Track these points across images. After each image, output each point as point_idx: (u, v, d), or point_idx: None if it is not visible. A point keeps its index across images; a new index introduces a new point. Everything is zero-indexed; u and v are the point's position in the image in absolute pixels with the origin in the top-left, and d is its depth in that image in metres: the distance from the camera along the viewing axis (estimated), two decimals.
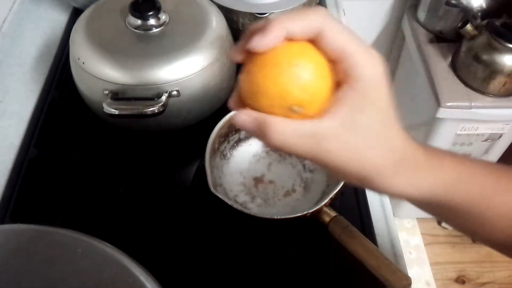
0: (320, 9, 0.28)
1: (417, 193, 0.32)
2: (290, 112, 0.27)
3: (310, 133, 0.28)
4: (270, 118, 0.28)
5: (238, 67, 0.68)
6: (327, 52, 0.28)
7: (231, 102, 0.31)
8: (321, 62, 0.28)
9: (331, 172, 0.32)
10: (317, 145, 0.28)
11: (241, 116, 0.28)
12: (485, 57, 0.95)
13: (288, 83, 0.27)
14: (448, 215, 0.35)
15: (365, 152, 0.29)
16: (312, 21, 0.27)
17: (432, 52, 1.09)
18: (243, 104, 0.29)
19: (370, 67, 0.27)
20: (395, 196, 0.32)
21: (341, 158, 0.28)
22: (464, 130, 1.08)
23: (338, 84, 0.28)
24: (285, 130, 0.27)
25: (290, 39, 0.27)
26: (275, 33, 0.27)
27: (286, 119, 0.28)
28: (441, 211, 0.35)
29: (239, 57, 0.29)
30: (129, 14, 0.58)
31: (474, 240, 1.51)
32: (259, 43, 0.27)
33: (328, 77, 0.28)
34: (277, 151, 0.30)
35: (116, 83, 0.56)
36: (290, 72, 0.27)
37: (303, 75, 0.27)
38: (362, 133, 0.28)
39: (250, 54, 0.28)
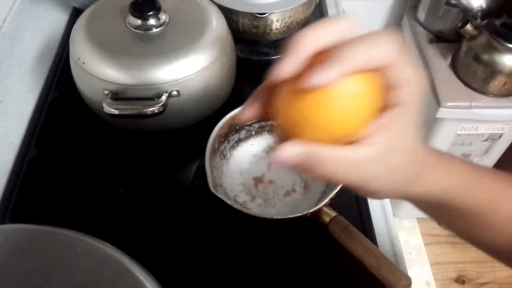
0: (390, 35, 0.25)
1: (428, 196, 0.32)
2: (337, 141, 0.27)
3: (359, 161, 0.27)
4: (320, 149, 0.27)
5: (238, 67, 0.68)
6: (383, 81, 0.26)
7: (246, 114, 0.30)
8: (372, 91, 0.26)
9: (367, 194, 0.32)
10: (366, 172, 0.28)
11: (291, 150, 0.27)
12: (485, 57, 0.95)
13: (338, 114, 0.26)
14: (450, 217, 0.36)
15: (400, 171, 0.29)
16: (378, 52, 0.25)
17: (432, 52, 1.09)
18: (278, 130, 0.29)
19: (415, 93, 0.27)
20: (406, 199, 0.33)
21: (384, 182, 0.29)
22: (464, 130, 1.08)
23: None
24: (335, 160, 0.27)
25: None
26: (338, 68, 0.24)
27: (334, 148, 0.27)
28: (445, 213, 0.35)
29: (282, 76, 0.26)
30: (129, 14, 0.58)
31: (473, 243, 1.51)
32: (319, 80, 0.24)
33: (377, 105, 0.27)
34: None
35: (116, 83, 0.56)
36: (341, 102, 0.26)
37: (353, 105, 0.26)
38: (398, 154, 0.28)
39: (288, 81, 0.26)
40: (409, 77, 0.26)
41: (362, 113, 0.26)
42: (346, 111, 0.26)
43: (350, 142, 0.27)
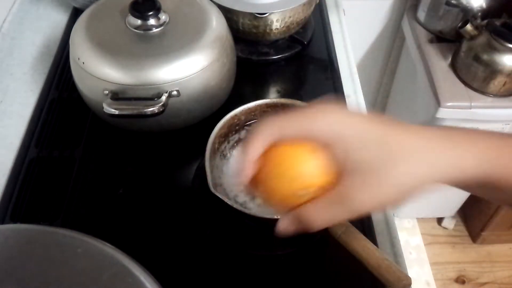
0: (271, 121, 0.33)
1: (458, 176, 0.31)
2: (300, 198, 0.33)
3: (337, 197, 0.32)
4: (300, 208, 0.33)
5: (238, 67, 0.68)
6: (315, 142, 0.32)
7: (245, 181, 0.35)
8: (311, 156, 0.33)
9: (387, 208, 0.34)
10: (351, 201, 0.31)
11: (284, 222, 0.34)
12: (485, 57, 0.95)
13: (290, 178, 0.33)
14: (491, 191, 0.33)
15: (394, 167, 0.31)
16: (262, 143, 0.33)
17: (432, 52, 1.09)
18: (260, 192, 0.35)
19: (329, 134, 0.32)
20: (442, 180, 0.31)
21: (383, 193, 0.31)
22: None
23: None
24: (316, 207, 0.32)
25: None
26: (259, 144, 0.33)
27: (311, 202, 0.32)
28: (497, 192, 0.32)
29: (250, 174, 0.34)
30: (129, 14, 0.58)
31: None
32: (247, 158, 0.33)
33: (320, 161, 0.32)
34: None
35: (116, 83, 0.56)
36: (290, 169, 0.33)
37: (298, 169, 0.33)
38: (378, 164, 0.31)
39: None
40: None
41: (304, 171, 0.33)
42: (291, 174, 0.33)
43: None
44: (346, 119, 0.32)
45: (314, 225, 0.32)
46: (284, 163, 0.33)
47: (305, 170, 0.33)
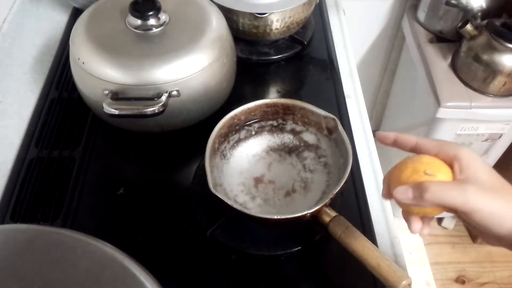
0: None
1: None
2: (426, 176, 0.39)
3: (459, 183, 0.37)
4: (425, 181, 0.38)
5: (238, 67, 0.68)
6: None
7: (385, 193, 0.43)
8: (428, 156, 0.41)
9: (479, 219, 0.37)
10: (463, 190, 0.37)
11: (401, 189, 0.39)
12: (485, 57, 0.95)
13: (419, 164, 0.40)
14: None
15: (499, 189, 0.38)
16: (411, 138, 0.43)
17: (432, 52, 1.09)
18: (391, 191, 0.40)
19: (460, 147, 0.40)
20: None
21: (484, 198, 0.36)
22: (464, 130, 1.08)
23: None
24: (439, 183, 0.38)
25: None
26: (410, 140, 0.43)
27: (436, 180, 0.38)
28: None
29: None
30: (129, 14, 0.58)
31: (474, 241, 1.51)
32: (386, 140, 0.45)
33: (442, 162, 0.40)
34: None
35: (116, 83, 0.56)
36: (416, 163, 0.41)
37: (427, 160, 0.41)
38: (482, 181, 0.37)
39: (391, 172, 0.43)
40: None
41: (433, 162, 0.41)
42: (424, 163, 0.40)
43: None
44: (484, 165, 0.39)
45: (428, 197, 0.37)
46: (418, 157, 0.41)
47: (435, 162, 0.40)
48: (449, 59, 1.07)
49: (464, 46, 1.00)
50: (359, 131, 0.69)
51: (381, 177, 0.63)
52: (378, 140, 0.45)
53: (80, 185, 0.61)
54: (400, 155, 0.43)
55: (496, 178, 0.38)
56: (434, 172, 0.39)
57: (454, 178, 0.39)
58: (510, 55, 0.92)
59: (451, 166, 0.40)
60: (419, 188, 0.37)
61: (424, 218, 0.42)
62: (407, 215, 0.42)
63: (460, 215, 0.38)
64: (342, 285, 0.53)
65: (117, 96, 0.56)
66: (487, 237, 0.39)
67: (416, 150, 0.42)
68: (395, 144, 0.44)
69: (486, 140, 1.11)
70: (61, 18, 0.86)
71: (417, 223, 0.41)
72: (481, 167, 0.38)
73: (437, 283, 1.45)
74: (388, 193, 0.42)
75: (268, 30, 0.74)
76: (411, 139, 0.43)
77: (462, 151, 0.39)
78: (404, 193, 0.38)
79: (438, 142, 0.41)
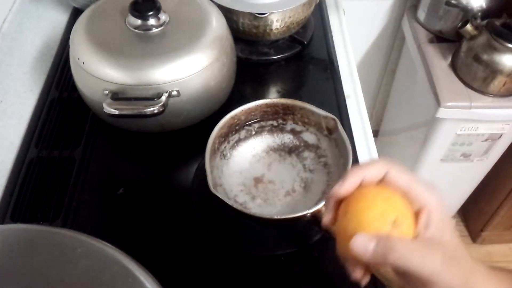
0: (384, 159, 0.36)
1: None
2: (391, 227, 0.33)
3: (425, 244, 0.32)
4: (392, 237, 0.32)
5: (238, 67, 0.68)
6: (395, 187, 0.35)
7: (326, 222, 0.37)
8: (401, 197, 0.35)
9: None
10: (434, 258, 0.31)
11: (361, 238, 0.32)
12: (485, 57, 0.95)
13: (388, 207, 0.34)
14: None
15: (455, 262, 0.32)
16: (380, 168, 0.35)
17: (432, 52, 1.09)
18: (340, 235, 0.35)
19: (431, 196, 0.34)
20: None
21: (448, 270, 0.31)
22: (464, 130, 1.07)
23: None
24: (411, 243, 0.32)
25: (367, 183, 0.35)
26: (352, 180, 0.35)
27: (401, 237, 0.32)
28: None
29: (334, 205, 0.37)
30: (129, 14, 0.58)
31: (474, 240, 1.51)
32: (340, 190, 0.35)
33: (408, 205, 0.34)
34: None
35: (116, 83, 0.56)
36: (385, 203, 0.34)
37: (397, 203, 0.34)
38: (448, 244, 0.33)
39: (346, 199, 0.36)
40: (412, 183, 0.35)
41: (398, 205, 0.34)
42: (387, 205, 0.34)
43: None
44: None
45: (393, 259, 0.31)
46: (388, 195, 0.35)
47: (404, 208, 0.34)
48: (449, 59, 1.07)
49: (464, 46, 1.00)
50: (359, 131, 0.69)
51: None
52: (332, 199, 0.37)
53: (80, 185, 0.61)
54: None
55: (456, 242, 0.34)
56: (402, 221, 0.33)
57: (416, 232, 0.33)
58: (510, 55, 0.92)
59: (416, 214, 0.34)
60: (385, 246, 0.31)
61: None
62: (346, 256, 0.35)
63: (404, 279, 0.33)
64: (342, 285, 0.53)
65: (117, 96, 0.56)
66: None
67: (384, 180, 0.36)
68: (361, 185, 0.36)
69: (486, 140, 1.11)
70: (61, 18, 0.86)
71: (359, 271, 0.35)
72: (447, 226, 0.33)
73: None
74: (332, 223, 0.36)
75: (268, 30, 0.74)
76: (380, 171, 0.35)
77: (434, 201, 0.34)
78: (363, 245, 0.32)
79: (410, 181, 0.35)
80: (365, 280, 0.36)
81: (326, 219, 0.37)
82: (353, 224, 0.34)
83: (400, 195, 0.34)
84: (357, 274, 0.35)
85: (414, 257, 0.31)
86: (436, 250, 0.32)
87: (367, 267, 0.35)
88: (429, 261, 0.31)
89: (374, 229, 0.32)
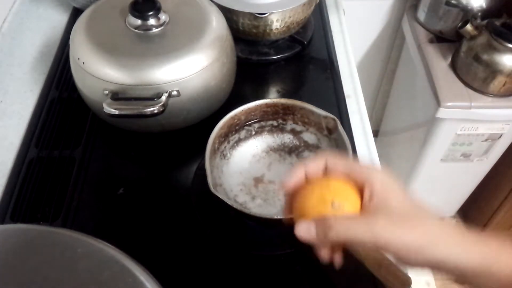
0: (326, 153, 0.39)
1: (470, 264, 0.34)
2: (332, 208, 0.35)
3: (364, 217, 0.34)
4: (329, 217, 0.34)
5: (238, 67, 0.68)
6: (338, 174, 0.37)
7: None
8: (342, 180, 0.37)
9: (394, 252, 0.34)
10: (370, 225, 0.33)
11: (303, 226, 0.35)
12: (485, 57, 0.95)
13: (326, 192, 0.36)
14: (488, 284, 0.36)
15: (414, 220, 0.34)
16: (318, 160, 0.38)
17: (432, 52, 1.09)
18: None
19: (370, 171, 0.36)
20: (449, 267, 0.34)
21: (394, 231, 0.33)
22: (464, 130, 1.07)
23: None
24: (344, 218, 0.34)
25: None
26: (295, 175, 0.38)
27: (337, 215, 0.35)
28: (482, 281, 0.35)
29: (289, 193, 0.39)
30: (129, 14, 0.58)
31: None
32: (286, 184, 0.38)
33: (351, 187, 0.37)
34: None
35: (116, 83, 0.56)
36: (323, 189, 0.37)
37: (335, 186, 0.37)
38: (392, 210, 0.34)
39: (294, 194, 0.38)
40: (356, 168, 0.37)
41: (339, 188, 0.37)
42: (328, 190, 0.36)
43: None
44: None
45: (332, 236, 0.33)
46: (327, 182, 0.37)
47: (344, 189, 0.36)
48: (449, 59, 1.07)
49: (464, 46, 1.00)
50: (359, 131, 0.69)
51: None
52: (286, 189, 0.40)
53: (80, 185, 0.61)
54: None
55: (409, 204, 0.35)
56: (342, 202, 0.35)
57: (362, 206, 0.36)
58: (510, 55, 0.92)
59: (361, 190, 0.36)
60: (323, 226, 0.34)
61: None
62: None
63: (365, 251, 0.36)
64: (342, 285, 0.53)
65: (117, 96, 0.56)
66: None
67: (327, 173, 0.38)
68: (308, 179, 0.38)
69: (486, 140, 1.11)
70: (61, 18, 0.86)
71: (324, 253, 0.37)
72: (393, 193, 0.35)
73: (437, 283, 1.45)
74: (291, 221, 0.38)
75: (268, 30, 0.74)
76: (319, 164, 0.38)
77: (374, 174, 0.36)
78: (306, 231, 0.35)
79: (348, 164, 0.37)
80: (337, 261, 0.38)
81: (283, 213, 0.41)
82: (298, 213, 0.37)
83: (343, 180, 0.37)
84: (324, 256, 0.37)
85: (352, 228, 0.33)
86: (377, 216, 0.34)
87: (333, 248, 0.38)
88: (366, 230, 0.33)
89: (316, 214, 0.35)
